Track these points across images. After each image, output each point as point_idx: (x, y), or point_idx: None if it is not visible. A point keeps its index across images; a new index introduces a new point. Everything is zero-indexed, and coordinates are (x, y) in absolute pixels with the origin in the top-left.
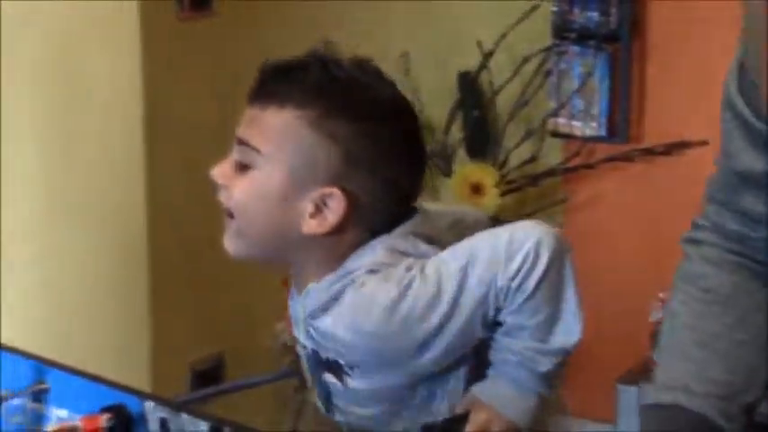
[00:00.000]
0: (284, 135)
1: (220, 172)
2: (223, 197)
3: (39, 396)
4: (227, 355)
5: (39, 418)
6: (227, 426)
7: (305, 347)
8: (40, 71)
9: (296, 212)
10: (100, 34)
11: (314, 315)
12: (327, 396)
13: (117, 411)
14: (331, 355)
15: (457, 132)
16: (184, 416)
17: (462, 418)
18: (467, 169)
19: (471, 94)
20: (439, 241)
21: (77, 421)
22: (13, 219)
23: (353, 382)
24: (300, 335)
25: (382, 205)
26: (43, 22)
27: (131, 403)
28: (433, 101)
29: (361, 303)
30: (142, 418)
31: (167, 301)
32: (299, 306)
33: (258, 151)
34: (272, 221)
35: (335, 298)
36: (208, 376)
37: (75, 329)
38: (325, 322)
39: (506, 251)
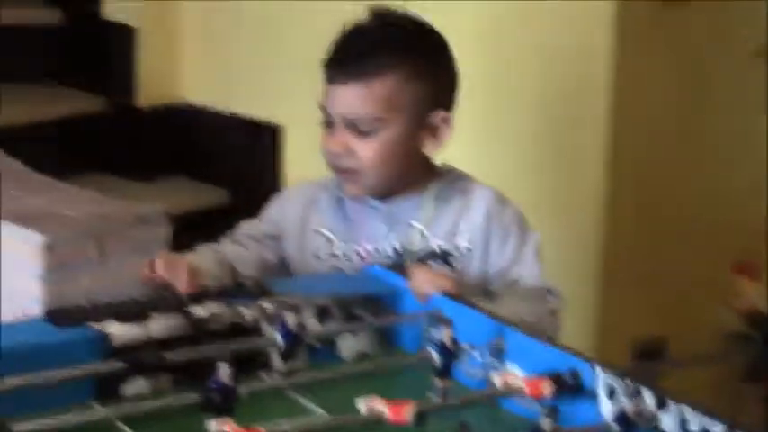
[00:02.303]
0: (396, 98)
1: (337, 144)
2: (347, 162)
3: (496, 353)
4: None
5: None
6: (674, 398)
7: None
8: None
9: (417, 143)
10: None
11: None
12: None
13: (559, 378)
14: (442, 243)
15: None
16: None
17: None
18: None
19: None
20: None
21: (521, 381)
22: None
23: (460, 263)
24: (388, 241)
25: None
26: None
27: (585, 370)
28: None
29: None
30: (588, 388)
31: (617, 286)
32: (398, 210)
33: (380, 119)
34: (400, 163)
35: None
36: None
37: None
38: (453, 209)
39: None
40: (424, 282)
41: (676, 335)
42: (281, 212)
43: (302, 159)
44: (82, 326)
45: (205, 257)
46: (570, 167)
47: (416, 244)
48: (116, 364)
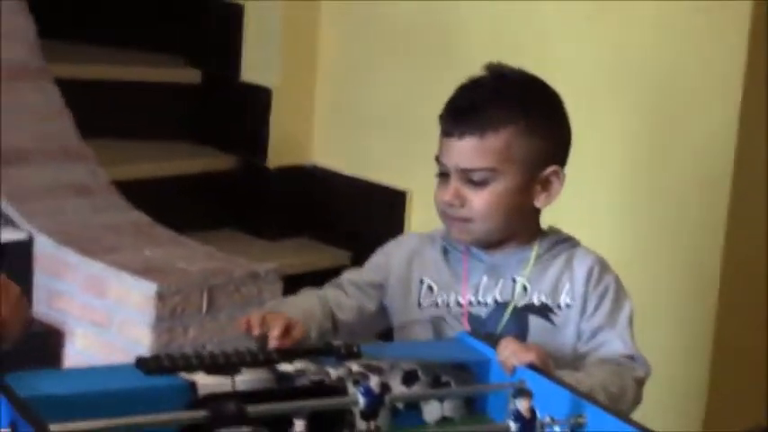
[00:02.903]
0: (510, 150)
1: (451, 195)
2: (459, 212)
3: (576, 427)
4: None
5: None
6: None
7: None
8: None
9: (528, 197)
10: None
11: (543, 265)
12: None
13: None
14: (543, 298)
15: None
16: None
17: None
18: None
19: None
20: None
21: None
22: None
23: (559, 319)
24: (490, 293)
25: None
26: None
27: None
28: None
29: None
30: None
31: (734, 306)
32: (503, 263)
33: (493, 170)
34: (511, 214)
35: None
36: None
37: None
38: (556, 268)
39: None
40: (511, 353)
41: None
42: (386, 261)
43: (428, 226)
44: (170, 374)
45: (307, 300)
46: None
47: (518, 298)
48: (198, 413)
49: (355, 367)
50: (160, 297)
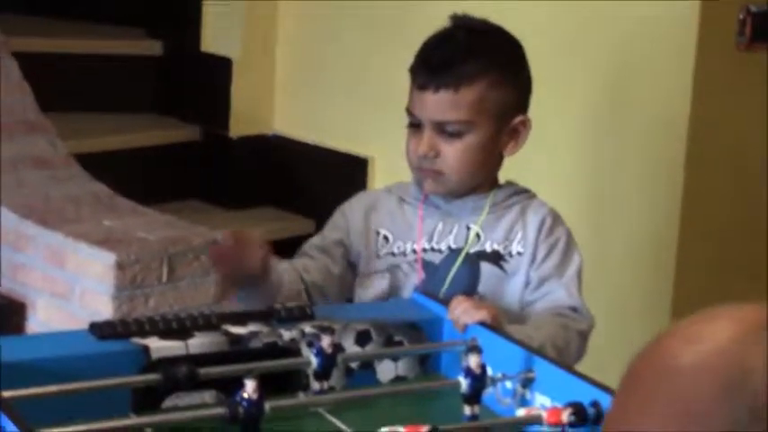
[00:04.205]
0: (483, 102)
1: (425, 146)
2: (433, 164)
3: (526, 382)
4: None
5: (524, 401)
6: None
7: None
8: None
9: (497, 146)
10: (655, 48)
11: (496, 214)
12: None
13: (580, 407)
14: (496, 245)
15: None
16: None
17: None
18: None
19: None
20: None
21: (543, 411)
22: None
23: (509, 266)
24: (444, 240)
25: None
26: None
27: (605, 401)
28: None
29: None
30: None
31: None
32: (458, 211)
33: (468, 122)
34: (482, 164)
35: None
36: None
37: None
38: (510, 217)
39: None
40: (463, 311)
41: None
42: (343, 219)
43: None
44: (123, 339)
45: (279, 265)
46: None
47: (471, 244)
48: (150, 377)
49: (308, 328)
50: (120, 267)
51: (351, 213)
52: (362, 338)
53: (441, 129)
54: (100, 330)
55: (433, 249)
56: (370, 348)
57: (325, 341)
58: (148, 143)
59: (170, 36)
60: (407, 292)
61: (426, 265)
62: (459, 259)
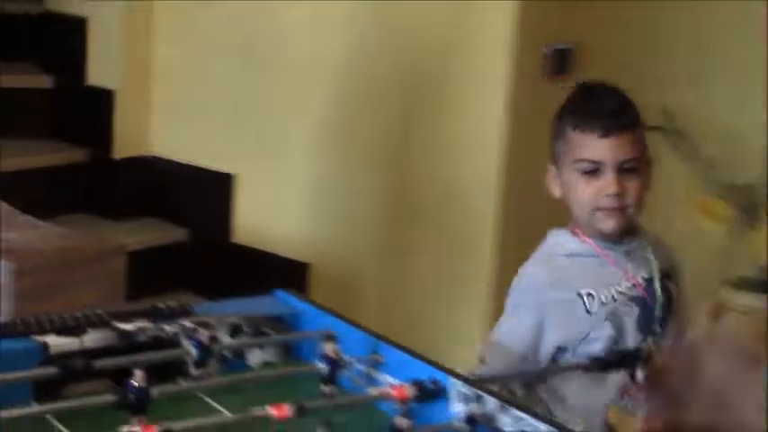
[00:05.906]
0: (644, 142)
1: (618, 186)
2: (621, 201)
3: (374, 364)
4: None
5: (373, 381)
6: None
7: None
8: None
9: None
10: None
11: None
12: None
13: (421, 384)
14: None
15: None
16: (485, 396)
17: None
18: None
19: None
20: None
21: (390, 389)
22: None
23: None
24: (638, 274)
25: None
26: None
27: (442, 378)
28: None
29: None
30: (446, 392)
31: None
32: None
33: (641, 158)
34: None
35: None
36: None
37: None
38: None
39: None
40: None
41: None
42: (529, 314)
43: (252, 204)
44: (23, 337)
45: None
46: None
47: (655, 270)
48: (49, 370)
49: (188, 323)
50: (19, 275)
51: (532, 301)
52: (235, 331)
53: (620, 168)
54: (3, 329)
55: (633, 285)
56: (241, 338)
57: (203, 334)
58: (44, 164)
59: (60, 71)
60: (631, 329)
61: (635, 300)
62: (657, 285)
